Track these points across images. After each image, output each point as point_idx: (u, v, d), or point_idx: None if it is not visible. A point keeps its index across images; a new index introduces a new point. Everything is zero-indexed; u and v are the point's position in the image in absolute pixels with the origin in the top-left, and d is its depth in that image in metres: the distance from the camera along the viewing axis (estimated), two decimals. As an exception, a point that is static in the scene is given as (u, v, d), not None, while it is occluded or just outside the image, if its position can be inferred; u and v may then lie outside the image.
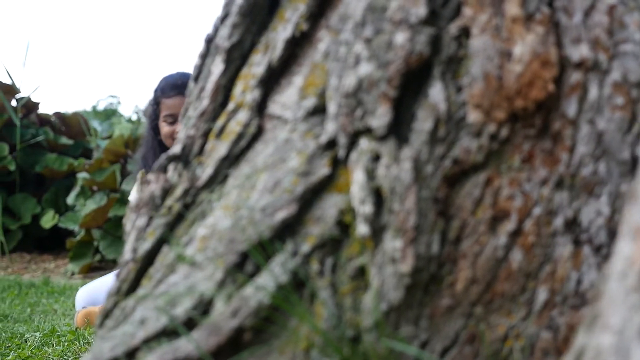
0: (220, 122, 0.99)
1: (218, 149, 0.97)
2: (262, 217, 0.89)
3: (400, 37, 0.87)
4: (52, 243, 5.34)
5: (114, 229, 4.53)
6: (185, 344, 0.85)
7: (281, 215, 0.88)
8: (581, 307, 0.88)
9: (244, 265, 0.88)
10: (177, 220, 0.97)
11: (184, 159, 1.01)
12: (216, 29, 1.02)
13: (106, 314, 0.98)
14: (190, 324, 0.88)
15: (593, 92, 0.89)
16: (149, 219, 0.99)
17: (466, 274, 0.88)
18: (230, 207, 0.92)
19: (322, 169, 0.89)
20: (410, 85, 0.89)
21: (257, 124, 0.96)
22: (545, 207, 0.88)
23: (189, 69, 3.30)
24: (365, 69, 0.88)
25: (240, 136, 0.96)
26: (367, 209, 0.86)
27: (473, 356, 0.88)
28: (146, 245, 0.97)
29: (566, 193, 0.89)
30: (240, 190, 0.92)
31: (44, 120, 5.60)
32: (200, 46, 1.04)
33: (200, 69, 1.04)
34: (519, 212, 0.88)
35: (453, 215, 0.88)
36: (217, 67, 1.00)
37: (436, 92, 0.88)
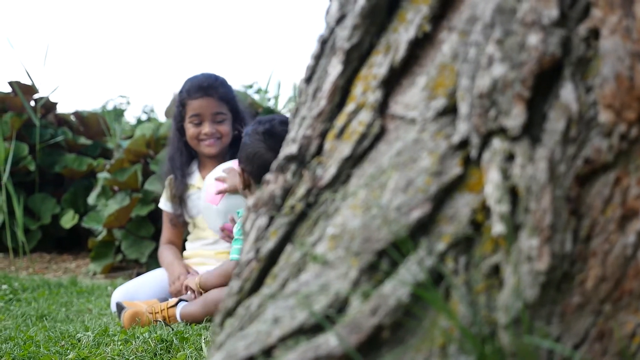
0: (339, 122, 1.00)
1: (340, 149, 0.98)
2: (397, 216, 0.90)
3: (533, 39, 0.89)
4: (70, 243, 5.34)
5: (135, 229, 4.54)
6: (325, 342, 0.86)
7: (416, 214, 0.89)
8: None
9: (379, 264, 0.89)
10: (300, 219, 0.98)
11: (301, 159, 1.02)
12: (331, 30, 1.03)
13: (228, 313, 0.99)
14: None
15: None
16: (269, 219, 1.00)
17: (596, 272, 0.89)
18: (358, 206, 0.93)
19: (455, 169, 0.90)
20: (540, 86, 0.90)
21: (380, 124, 0.97)
22: (673, 205, 0.89)
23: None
24: (499, 70, 0.89)
25: (363, 136, 0.97)
26: (503, 208, 0.87)
27: (602, 353, 0.90)
28: (269, 245, 0.98)
29: (693, 192, 0.90)
30: (368, 190, 0.93)
31: (62, 120, 5.59)
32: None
33: (313, 69, 1.05)
34: (648, 211, 0.89)
35: (584, 214, 0.89)
36: (334, 68, 1.01)
37: (567, 93, 0.89)
